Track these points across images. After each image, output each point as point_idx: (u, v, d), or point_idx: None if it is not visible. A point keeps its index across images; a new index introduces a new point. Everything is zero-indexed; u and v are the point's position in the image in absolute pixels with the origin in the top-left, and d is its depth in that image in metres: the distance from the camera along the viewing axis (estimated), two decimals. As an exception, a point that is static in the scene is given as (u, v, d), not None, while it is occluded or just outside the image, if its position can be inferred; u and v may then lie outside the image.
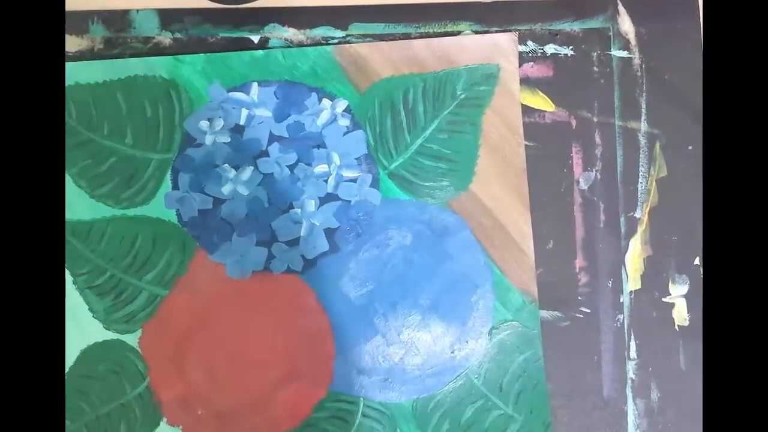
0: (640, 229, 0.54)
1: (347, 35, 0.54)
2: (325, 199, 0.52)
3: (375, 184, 0.53)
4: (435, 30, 0.54)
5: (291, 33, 0.54)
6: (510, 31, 0.54)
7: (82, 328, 0.51)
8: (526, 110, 0.54)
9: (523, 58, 0.54)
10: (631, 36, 0.55)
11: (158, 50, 0.53)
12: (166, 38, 0.53)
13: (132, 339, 0.51)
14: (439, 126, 0.53)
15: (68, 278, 0.51)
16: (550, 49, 0.54)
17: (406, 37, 0.54)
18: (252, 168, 0.52)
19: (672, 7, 0.55)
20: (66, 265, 0.51)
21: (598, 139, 0.54)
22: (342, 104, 0.53)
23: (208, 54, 0.53)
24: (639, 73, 0.55)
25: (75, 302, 0.51)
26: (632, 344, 0.53)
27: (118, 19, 0.53)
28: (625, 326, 0.53)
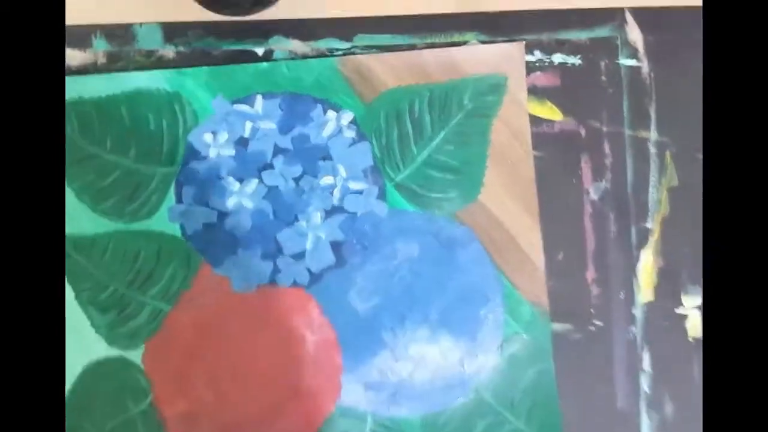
0: (652, 239, 0.53)
1: (352, 47, 0.54)
2: (331, 211, 0.52)
3: (381, 195, 0.52)
4: (441, 41, 0.54)
5: (295, 45, 0.53)
6: (516, 40, 0.54)
7: (85, 345, 0.51)
8: (534, 120, 0.53)
9: (530, 67, 0.54)
10: (640, 45, 0.54)
11: (162, 63, 0.53)
12: (169, 51, 0.53)
13: (135, 355, 0.51)
14: (446, 137, 0.53)
15: (70, 294, 0.51)
16: (558, 58, 0.54)
17: (412, 48, 0.54)
18: (257, 181, 0.51)
19: (680, 16, 0.54)
20: (68, 280, 0.51)
21: (607, 149, 0.53)
22: (347, 116, 0.52)
23: (212, 67, 0.53)
24: (648, 82, 0.54)
25: (77, 318, 0.51)
26: (645, 356, 0.52)
27: (121, 33, 0.53)
28: (638, 338, 0.52)
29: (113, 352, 0.51)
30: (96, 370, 0.51)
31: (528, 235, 0.52)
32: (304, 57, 0.53)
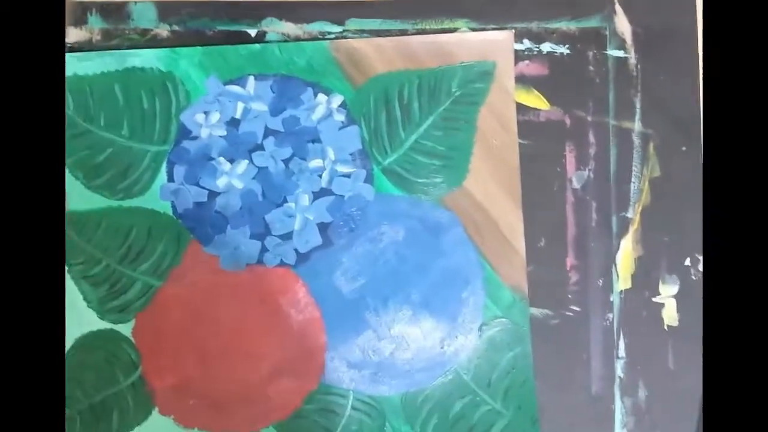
0: (632, 228, 0.54)
1: (344, 30, 0.54)
2: (319, 193, 0.53)
3: (369, 179, 0.53)
4: (432, 26, 0.54)
5: (288, 27, 0.54)
6: (506, 28, 0.54)
7: (77, 317, 0.52)
8: (521, 108, 0.54)
9: (518, 56, 0.54)
10: (627, 36, 0.55)
11: (156, 42, 0.54)
12: (163, 30, 0.54)
13: (126, 329, 0.52)
14: (434, 123, 0.53)
15: (63, 268, 0.52)
16: (546, 47, 0.55)
17: (403, 33, 0.54)
18: (247, 161, 0.52)
19: (668, 8, 0.55)
20: (61, 254, 0.52)
21: (591, 139, 0.54)
22: (337, 99, 0.53)
23: (205, 47, 0.53)
24: (634, 73, 0.55)
25: (70, 291, 0.52)
26: (621, 343, 0.53)
27: (117, 11, 0.54)
28: (615, 325, 0.54)
29: (104, 325, 0.52)
30: (87, 342, 0.52)
31: (511, 221, 0.53)
32: (297, 39, 0.54)
